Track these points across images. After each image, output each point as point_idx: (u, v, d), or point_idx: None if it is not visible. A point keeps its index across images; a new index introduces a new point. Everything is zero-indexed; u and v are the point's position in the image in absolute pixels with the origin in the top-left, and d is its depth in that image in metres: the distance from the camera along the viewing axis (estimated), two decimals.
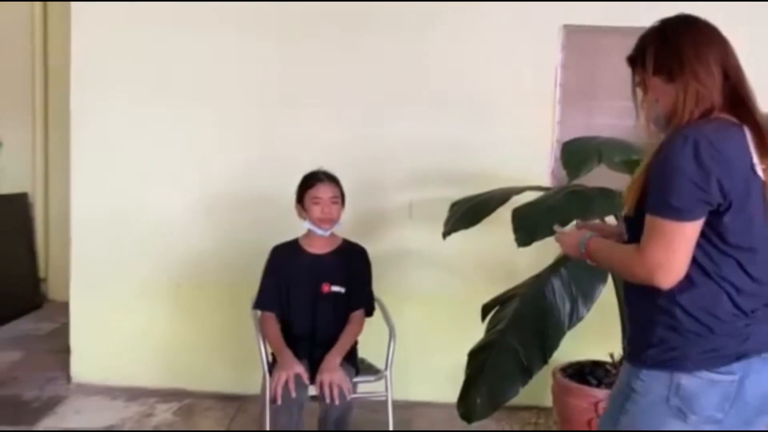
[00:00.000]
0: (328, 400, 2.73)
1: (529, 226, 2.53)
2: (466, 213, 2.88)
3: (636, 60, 1.75)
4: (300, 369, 2.76)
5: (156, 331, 3.97)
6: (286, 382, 2.70)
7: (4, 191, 5.54)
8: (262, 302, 3.05)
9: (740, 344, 1.63)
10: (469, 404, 2.70)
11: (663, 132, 1.69)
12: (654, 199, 1.60)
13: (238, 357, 3.83)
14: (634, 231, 1.67)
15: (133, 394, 3.86)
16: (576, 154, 3.10)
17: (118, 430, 3.49)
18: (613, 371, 3.18)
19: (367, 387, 3.11)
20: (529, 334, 2.79)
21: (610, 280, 2.99)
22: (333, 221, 2.99)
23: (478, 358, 2.80)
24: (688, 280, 1.60)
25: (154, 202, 3.94)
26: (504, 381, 2.73)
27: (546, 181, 3.66)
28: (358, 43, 3.79)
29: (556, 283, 2.88)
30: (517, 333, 2.77)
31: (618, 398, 1.75)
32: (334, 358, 2.83)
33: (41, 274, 5.65)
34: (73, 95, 3.92)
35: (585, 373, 3.18)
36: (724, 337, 1.62)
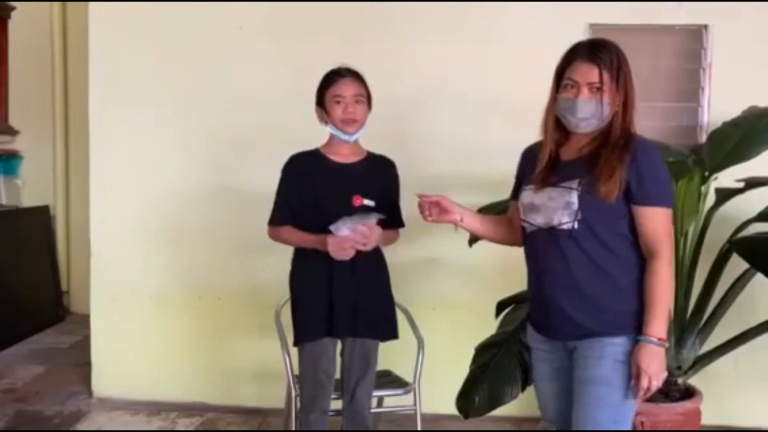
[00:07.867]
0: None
1: None
2: None
3: (607, 64, 2.08)
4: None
5: (176, 343, 3.91)
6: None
7: (25, 204, 5.55)
8: (279, 218, 2.69)
9: None
10: (468, 400, 2.76)
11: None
12: (660, 192, 2.05)
13: (260, 370, 3.76)
14: (610, 217, 2.05)
15: (154, 408, 3.81)
16: None
17: None
18: None
19: (394, 400, 3.03)
20: None
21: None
22: (357, 123, 2.64)
23: (483, 355, 2.87)
24: (641, 258, 2.08)
25: (175, 213, 3.88)
26: (505, 383, 2.76)
27: None
28: (383, 44, 3.71)
29: None
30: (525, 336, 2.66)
31: (617, 371, 2.03)
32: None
33: (63, 286, 5.65)
34: (91, 106, 3.88)
35: None
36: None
